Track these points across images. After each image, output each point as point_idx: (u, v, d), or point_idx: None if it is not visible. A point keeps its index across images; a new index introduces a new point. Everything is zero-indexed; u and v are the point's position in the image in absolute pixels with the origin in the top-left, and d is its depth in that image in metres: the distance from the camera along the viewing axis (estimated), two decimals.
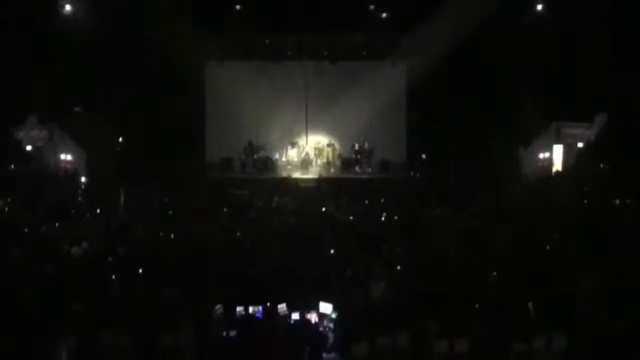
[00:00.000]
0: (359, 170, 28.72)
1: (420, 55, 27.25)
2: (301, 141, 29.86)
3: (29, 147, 25.99)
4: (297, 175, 27.96)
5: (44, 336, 11.03)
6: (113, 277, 13.71)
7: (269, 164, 28.78)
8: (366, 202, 23.56)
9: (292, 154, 29.29)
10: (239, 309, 11.94)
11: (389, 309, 12.07)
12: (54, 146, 26.36)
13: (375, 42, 29.07)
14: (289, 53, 29.47)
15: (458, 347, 11.00)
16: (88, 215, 21.05)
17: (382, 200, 23.87)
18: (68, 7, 26.13)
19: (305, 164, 28.83)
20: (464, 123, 27.05)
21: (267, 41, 29.03)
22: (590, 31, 23.59)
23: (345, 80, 29.16)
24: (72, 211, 21.52)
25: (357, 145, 28.92)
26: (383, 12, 28.78)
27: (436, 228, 18.86)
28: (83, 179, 26.44)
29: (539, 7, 26.73)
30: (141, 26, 24.88)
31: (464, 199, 22.42)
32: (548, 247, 16.37)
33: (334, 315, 12.09)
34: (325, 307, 12.15)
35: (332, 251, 15.92)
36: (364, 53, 29.46)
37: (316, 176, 27.83)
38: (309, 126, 30.08)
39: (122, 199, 22.87)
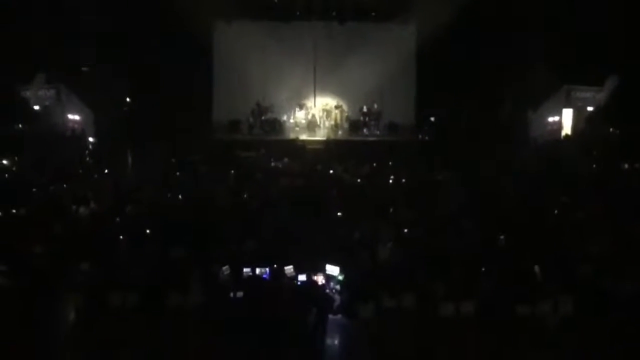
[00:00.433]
0: (366, 133, 28.59)
1: (430, 16, 26.92)
2: (309, 103, 29.69)
3: (36, 107, 25.92)
4: (304, 137, 27.85)
5: (52, 295, 11.11)
6: (121, 237, 13.75)
7: (276, 125, 28.66)
8: (374, 164, 23.49)
9: (300, 115, 29.14)
10: (246, 270, 12.00)
11: (395, 271, 12.10)
12: (61, 106, 26.28)
13: (384, 2, 28.71)
14: (298, 13, 29.14)
15: (464, 309, 11.05)
16: (96, 176, 21.07)
17: (389, 162, 23.80)
18: None
19: (313, 126, 28.70)
20: (473, 86, 26.86)
21: (275, 1, 28.71)
22: None
23: (354, 42, 28.89)
24: (80, 171, 21.54)
25: (365, 108, 28.76)
26: None
27: (443, 191, 18.84)
28: (91, 139, 26.42)
29: None
30: None
31: (472, 162, 22.35)
32: (556, 212, 16.32)
33: (340, 277, 12.13)
34: (332, 269, 12.19)
35: (339, 213, 15.91)
36: (373, 14, 29.13)
37: (324, 138, 27.73)
38: (317, 88, 29.89)
39: (129, 159, 22.87)
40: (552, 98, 26.59)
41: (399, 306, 11.29)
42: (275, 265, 12.14)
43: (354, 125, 28.64)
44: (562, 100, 26.66)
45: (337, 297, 11.75)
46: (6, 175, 20.77)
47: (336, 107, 29.02)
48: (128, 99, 28.22)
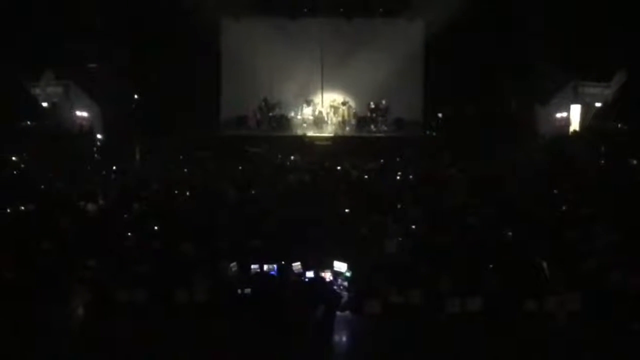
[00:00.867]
0: (374, 129, 28.63)
1: (438, 12, 26.89)
2: (317, 99, 29.74)
3: (44, 103, 25.99)
4: (312, 133, 27.90)
5: (60, 292, 11.14)
6: (129, 233, 13.78)
7: (284, 121, 28.73)
8: (381, 160, 23.50)
9: (307, 112, 29.18)
10: (254, 266, 12.00)
11: (403, 267, 12.09)
12: (70, 102, 26.36)
13: None
14: (305, 10, 29.17)
15: (471, 306, 11.03)
16: (104, 172, 21.13)
17: (397, 158, 23.81)
18: None
19: (320, 122, 28.76)
20: (481, 81, 26.84)
21: None
22: None
23: (362, 38, 28.91)
24: (88, 168, 21.61)
25: (372, 104, 28.79)
26: None
27: (450, 187, 18.85)
28: (99, 136, 26.50)
29: None
30: None
31: (479, 158, 22.35)
32: (564, 207, 16.29)
33: (348, 274, 12.13)
34: (340, 266, 12.19)
35: (347, 210, 15.92)
36: (381, 10, 29.12)
37: (331, 134, 27.77)
38: (324, 84, 29.93)
39: (137, 156, 22.94)
40: (560, 94, 26.51)
41: (406, 302, 11.26)
42: (283, 262, 12.14)
43: (362, 122, 28.71)
44: (570, 96, 26.58)
45: (344, 293, 11.75)
46: (14, 171, 20.83)
47: (343, 103, 29.08)
48: (136, 96, 28.25)
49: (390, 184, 19.77)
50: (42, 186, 18.25)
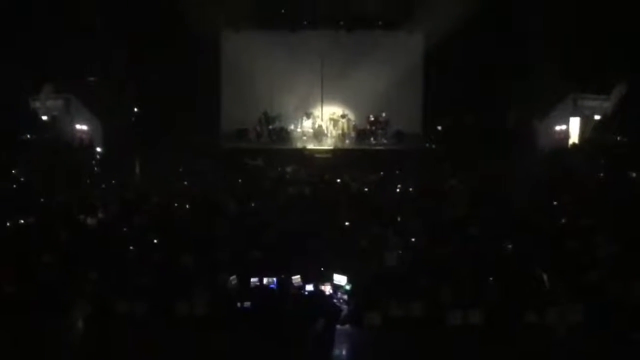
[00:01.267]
0: (374, 142, 28.67)
1: (437, 24, 26.99)
2: (316, 112, 29.81)
3: (44, 117, 26.02)
4: (312, 146, 27.94)
5: (61, 305, 11.11)
6: (129, 246, 13.77)
7: (284, 134, 28.77)
8: (381, 173, 23.51)
9: (307, 124, 29.24)
10: (254, 279, 11.99)
11: (403, 280, 12.07)
12: (69, 116, 26.40)
13: (391, 11, 28.74)
14: (305, 22, 29.27)
15: (472, 318, 11.00)
16: (104, 185, 21.13)
17: (397, 171, 23.82)
18: None
19: (320, 134, 28.80)
20: (480, 94, 26.91)
21: (282, 10, 28.81)
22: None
23: (361, 50, 29.00)
24: (88, 181, 21.61)
25: (372, 116, 28.85)
26: None
27: (450, 199, 18.86)
28: (99, 149, 26.52)
29: None
30: None
31: (479, 170, 22.37)
32: (564, 219, 16.29)
33: (348, 287, 12.11)
34: (340, 279, 12.18)
35: (346, 222, 15.91)
36: (380, 22, 29.22)
37: (331, 147, 27.81)
38: (324, 97, 30.00)
39: (137, 168, 22.96)
40: (559, 106, 26.56)
41: (406, 315, 11.24)
42: (282, 275, 12.12)
43: (361, 134, 28.76)
44: (569, 109, 26.63)
45: (344, 306, 11.73)
46: (14, 184, 20.84)
47: (342, 116, 29.13)
48: (136, 109, 28.30)
49: (390, 197, 19.78)
50: (42, 199, 18.23)
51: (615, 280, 11.55)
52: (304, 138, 28.74)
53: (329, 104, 30.03)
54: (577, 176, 21.28)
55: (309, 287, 12.01)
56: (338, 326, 11.02)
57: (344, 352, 10.81)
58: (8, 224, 15.41)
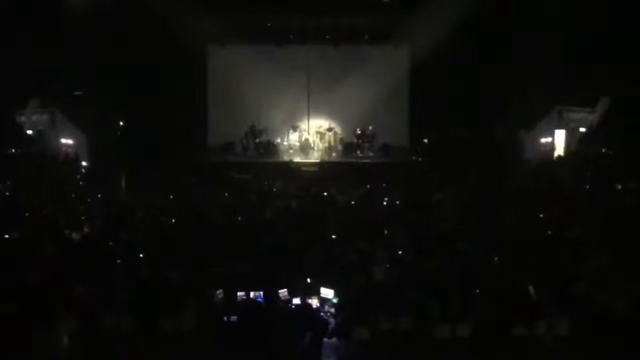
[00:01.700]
0: (360, 155, 28.70)
1: (423, 38, 27.12)
2: (303, 125, 29.84)
3: (30, 131, 25.90)
4: (298, 159, 27.94)
5: (45, 320, 11.02)
6: (115, 261, 13.69)
7: (270, 148, 28.76)
8: (368, 186, 23.52)
9: (294, 138, 29.25)
10: (240, 293, 11.93)
11: (390, 294, 12.05)
12: (55, 130, 26.30)
13: (377, 25, 28.83)
14: (291, 36, 29.32)
15: (460, 332, 11.00)
16: (89, 200, 21.03)
17: (384, 184, 23.85)
18: None
19: (306, 148, 28.80)
20: (466, 107, 27.05)
21: (269, 24, 28.85)
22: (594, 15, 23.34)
23: (348, 64, 29.12)
24: (73, 195, 21.50)
25: (359, 130, 28.90)
26: None
27: (437, 212, 18.88)
28: (84, 163, 26.41)
29: None
30: (142, 8, 24.72)
31: (466, 183, 22.43)
32: (549, 232, 16.34)
33: (335, 300, 12.08)
34: (327, 292, 12.15)
35: (333, 235, 15.89)
36: (366, 37, 29.31)
37: (318, 160, 27.82)
38: (310, 110, 30.06)
39: (123, 183, 22.88)
40: (545, 119, 26.70)
41: (394, 328, 11.22)
42: (269, 289, 12.08)
43: (348, 147, 28.78)
44: (555, 121, 26.76)
45: (331, 320, 11.69)
46: None
47: (329, 129, 29.13)
48: (121, 123, 28.21)
49: (377, 210, 19.78)
50: (27, 213, 18.11)
51: (602, 292, 11.58)
52: (291, 151, 28.74)
53: (316, 117, 30.07)
54: (563, 188, 21.35)
55: (296, 301, 11.98)
56: (325, 339, 10.98)
57: None
58: None
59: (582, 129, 26.19)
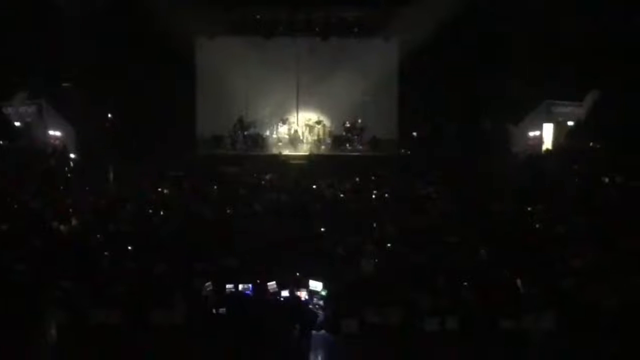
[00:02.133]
0: (349, 148, 28.64)
1: (412, 32, 27.08)
2: (292, 118, 29.72)
3: (17, 123, 25.73)
4: (287, 152, 27.87)
5: (34, 313, 10.99)
6: (103, 254, 13.65)
7: (259, 140, 28.66)
8: (357, 179, 23.50)
9: (283, 130, 29.14)
10: (229, 286, 11.93)
11: (379, 286, 12.07)
12: (43, 122, 26.12)
13: (367, 18, 28.75)
14: (280, 29, 29.18)
15: (449, 324, 11.03)
16: (77, 192, 20.91)
17: (372, 177, 23.84)
18: None
19: (295, 141, 28.73)
20: (455, 100, 27.07)
21: (257, 16, 28.71)
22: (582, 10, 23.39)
23: (337, 57, 28.96)
24: (61, 187, 21.39)
25: (348, 123, 28.84)
26: None
27: (426, 205, 18.91)
28: (72, 155, 26.25)
29: None
30: (131, 1, 24.61)
31: (454, 177, 22.46)
32: (538, 226, 16.39)
33: (324, 293, 12.09)
34: (315, 285, 12.15)
35: (322, 229, 15.89)
36: (356, 30, 29.21)
37: (307, 153, 27.76)
38: (299, 103, 29.95)
39: (111, 175, 22.78)
40: (533, 113, 26.72)
41: (383, 321, 11.24)
42: (258, 281, 12.07)
43: (337, 141, 28.69)
44: (543, 115, 26.79)
45: (320, 312, 11.70)
46: None
47: (318, 122, 29.03)
48: (110, 115, 28.06)
49: (365, 203, 19.77)
50: (15, 206, 18.03)
51: (590, 286, 11.64)
52: (280, 144, 28.65)
53: (305, 110, 29.97)
54: (551, 182, 21.40)
55: (285, 293, 11.99)
56: (314, 332, 11.00)
57: (320, 358, 10.79)
58: None
59: (570, 123, 26.25)
